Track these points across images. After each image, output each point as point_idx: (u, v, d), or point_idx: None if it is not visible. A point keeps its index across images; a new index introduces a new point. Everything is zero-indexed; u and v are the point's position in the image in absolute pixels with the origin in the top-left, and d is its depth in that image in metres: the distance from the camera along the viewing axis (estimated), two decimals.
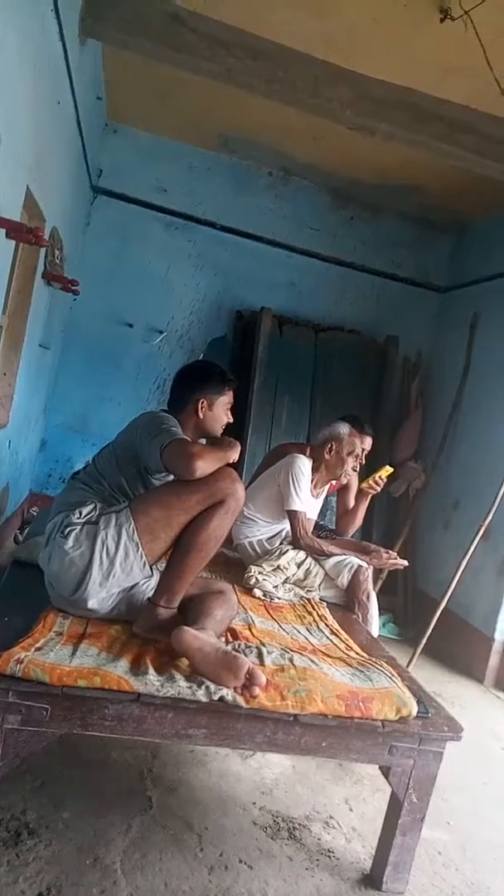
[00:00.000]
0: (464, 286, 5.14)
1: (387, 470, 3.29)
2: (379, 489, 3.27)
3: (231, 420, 2.41)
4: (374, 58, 3.34)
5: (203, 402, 2.29)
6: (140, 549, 2.01)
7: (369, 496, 3.32)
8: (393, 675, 2.04)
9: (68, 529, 2.00)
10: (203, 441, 2.29)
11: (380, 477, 3.24)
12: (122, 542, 1.99)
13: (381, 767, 1.95)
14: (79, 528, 2.00)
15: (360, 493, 3.33)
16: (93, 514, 2.04)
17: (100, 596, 2.01)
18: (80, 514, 2.03)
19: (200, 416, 2.29)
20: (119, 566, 1.99)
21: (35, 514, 4.55)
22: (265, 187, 5.18)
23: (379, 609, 3.10)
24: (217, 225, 5.05)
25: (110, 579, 2.00)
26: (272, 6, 3.11)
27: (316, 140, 4.46)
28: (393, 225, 5.38)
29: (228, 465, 2.10)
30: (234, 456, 2.11)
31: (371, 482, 3.24)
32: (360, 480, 3.32)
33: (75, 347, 4.99)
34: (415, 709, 1.90)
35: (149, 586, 2.11)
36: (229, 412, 2.39)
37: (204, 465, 1.99)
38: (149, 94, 4.37)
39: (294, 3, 3.07)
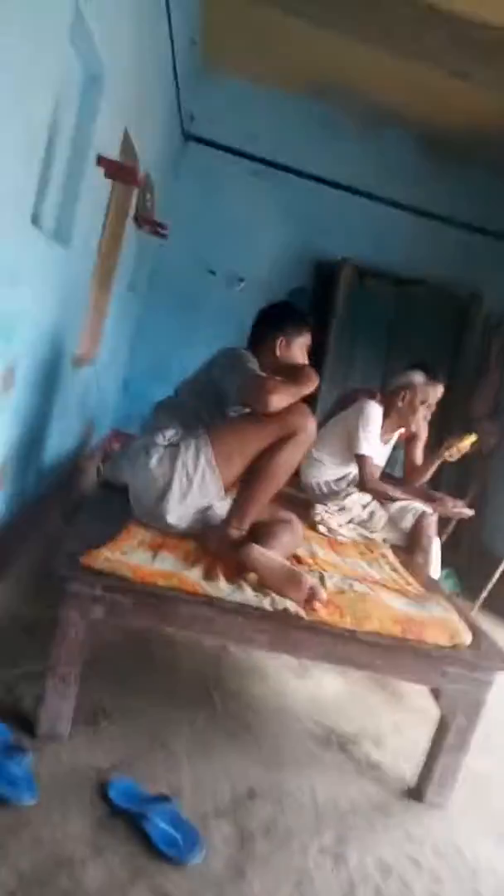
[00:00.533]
0: None
1: (470, 439, 3.27)
2: (459, 456, 3.27)
3: (307, 363, 2.50)
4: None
5: (282, 341, 2.40)
6: (216, 472, 2.16)
7: (443, 460, 3.32)
8: (449, 608, 2.14)
9: (153, 450, 2.18)
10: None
11: (462, 445, 3.23)
12: (201, 464, 2.16)
13: (431, 690, 2.07)
14: (162, 449, 2.18)
15: (435, 455, 3.34)
16: (174, 437, 2.21)
17: (178, 512, 2.19)
18: (164, 436, 2.20)
19: (278, 353, 2.40)
20: (196, 486, 2.16)
21: (116, 449, 4.81)
22: (354, 135, 5.12)
23: (441, 563, 3.17)
24: (304, 173, 5.05)
25: (188, 497, 2.17)
26: None
27: (409, 86, 4.37)
28: (482, 175, 5.22)
29: (304, 399, 2.22)
30: (308, 390, 2.22)
31: (453, 450, 3.23)
32: (431, 435, 3.33)
33: (160, 292, 5.17)
34: (468, 638, 1.99)
35: (223, 508, 2.27)
36: (306, 354, 2.49)
37: (278, 401, 2.11)
38: (243, 39, 4.38)
39: None
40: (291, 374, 2.28)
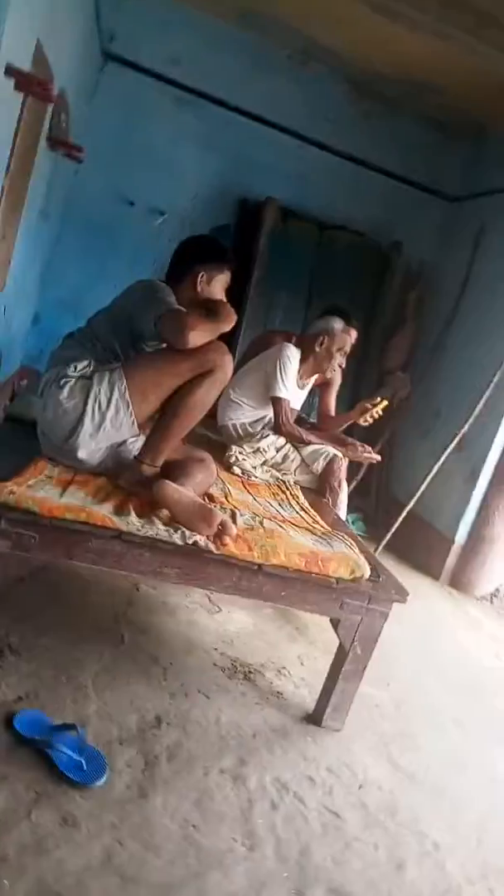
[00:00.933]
0: (474, 197, 5.07)
1: (383, 403, 3.33)
2: (372, 422, 3.34)
3: (225, 301, 2.47)
4: None
5: (203, 276, 2.35)
6: (130, 407, 2.13)
7: (355, 421, 3.39)
8: (352, 544, 2.23)
9: (63, 381, 2.11)
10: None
11: (376, 411, 3.29)
12: (114, 398, 2.11)
13: (331, 620, 2.17)
14: (73, 380, 2.12)
15: (348, 416, 3.41)
16: (87, 369, 2.15)
17: (90, 447, 2.15)
18: (76, 368, 2.14)
19: (199, 289, 2.35)
20: (109, 421, 2.12)
21: (24, 386, 4.64)
22: (283, 70, 4.96)
23: (349, 507, 3.28)
24: (229, 104, 4.87)
25: (100, 432, 2.13)
26: None
27: (339, 23, 4.25)
28: (410, 126, 5.21)
29: (222, 337, 2.20)
30: (227, 327, 2.20)
31: (367, 416, 3.29)
32: (345, 383, 3.39)
33: (74, 221, 4.92)
34: (367, 572, 2.09)
35: (136, 445, 2.25)
36: (224, 292, 2.45)
37: (196, 337, 2.08)
38: None
39: None
40: (211, 310, 2.25)
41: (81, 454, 2.16)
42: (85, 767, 1.70)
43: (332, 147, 5.08)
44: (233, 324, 2.24)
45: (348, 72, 4.92)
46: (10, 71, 2.45)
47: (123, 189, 4.93)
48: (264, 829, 1.72)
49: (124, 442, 2.23)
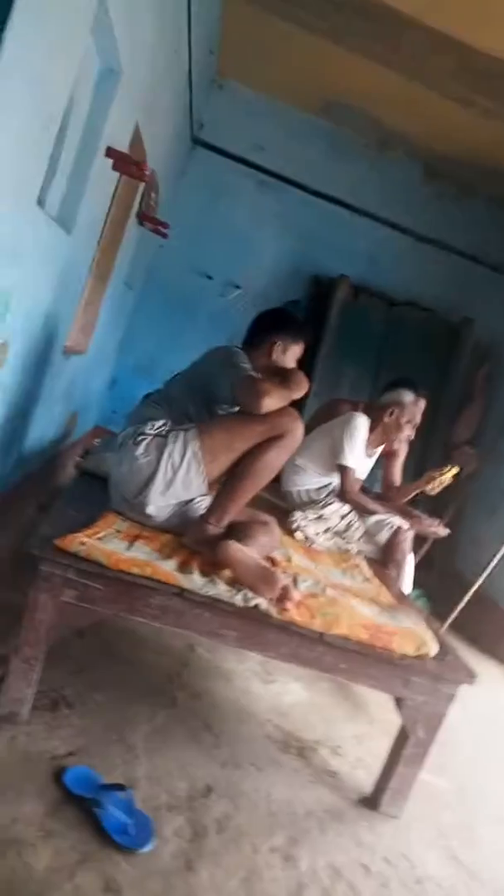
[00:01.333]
0: None
1: (452, 471, 3.28)
2: (440, 489, 3.28)
3: (297, 369, 2.52)
4: (483, 30, 3.31)
5: (279, 345, 2.42)
6: (201, 466, 2.17)
7: (422, 491, 3.34)
8: (418, 619, 2.16)
9: (140, 438, 2.18)
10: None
11: (444, 479, 3.24)
12: (187, 457, 2.16)
13: (395, 699, 2.08)
14: (150, 438, 2.18)
15: (416, 485, 3.36)
16: (163, 428, 2.22)
17: (159, 503, 2.19)
18: (153, 426, 2.21)
19: (273, 357, 2.42)
20: (180, 479, 2.17)
21: (97, 444, 4.80)
22: (359, 155, 5.20)
23: (413, 583, 3.19)
24: (307, 188, 5.11)
25: (170, 489, 2.17)
26: None
27: (415, 110, 4.45)
28: (482, 207, 5.33)
29: (293, 403, 2.24)
30: (299, 394, 2.24)
31: (435, 483, 3.24)
32: (411, 455, 3.34)
33: (155, 291, 5.18)
34: (434, 649, 2.01)
35: (202, 505, 2.28)
36: (296, 363, 2.51)
37: (270, 402, 2.13)
38: (259, 52, 4.45)
39: None
40: (284, 377, 2.31)
41: (150, 510, 2.20)
42: (132, 831, 1.65)
43: (405, 227, 5.23)
44: (305, 391, 2.28)
45: (420, 155, 5.12)
46: (110, 152, 2.66)
47: (203, 264, 5.19)
48: None
49: (192, 500, 2.26)
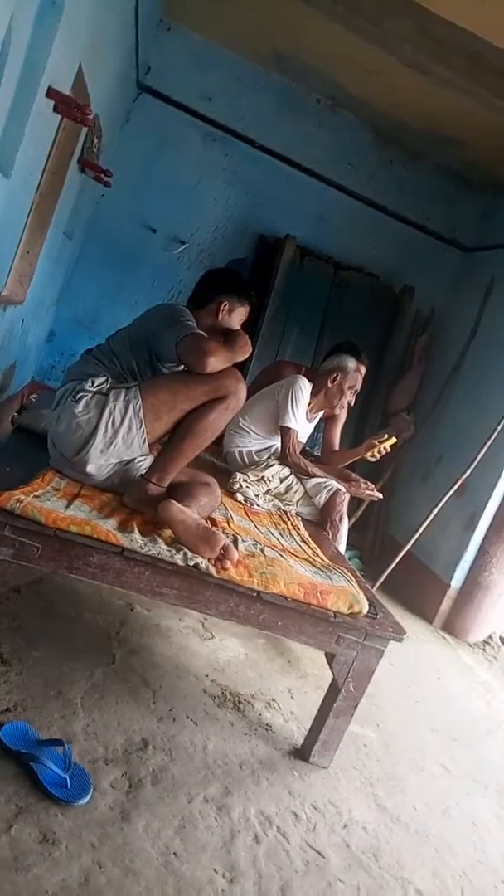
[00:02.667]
0: (488, 248, 5.18)
1: (391, 440, 3.33)
2: (379, 458, 3.34)
3: (242, 331, 2.51)
4: None
5: (226, 305, 2.40)
6: (143, 425, 2.15)
7: (362, 457, 3.40)
8: (351, 578, 2.23)
9: (80, 395, 2.14)
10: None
11: (383, 447, 3.30)
12: (128, 416, 2.13)
13: (326, 655, 2.15)
14: (90, 395, 2.14)
15: (356, 451, 3.42)
16: (104, 385, 2.18)
17: (99, 462, 2.16)
18: (93, 383, 2.17)
19: (220, 317, 2.40)
20: (121, 438, 2.14)
21: (34, 400, 4.67)
22: (310, 114, 5.12)
23: (347, 544, 3.28)
24: (256, 143, 5.00)
25: (111, 448, 2.14)
26: None
27: (369, 73, 4.40)
28: (430, 176, 5.35)
29: (236, 365, 2.23)
30: (244, 356, 2.24)
31: (375, 451, 3.29)
32: (349, 420, 3.39)
33: (96, 243, 5.02)
34: (366, 607, 2.09)
35: (144, 465, 2.26)
36: (240, 326, 2.50)
37: (215, 362, 2.12)
38: None
39: None
40: (230, 338, 2.29)
41: (90, 468, 2.17)
42: (69, 785, 1.67)
43: (353, 191, 5.20)
44: (248, 354, 2.28)
45: (374, 120, 5.08)
46: (52, 93, 2.53)
47: (146, 216, 5.04)
48: (246, 863, 1.68)
49: (133, 460, 2.24)
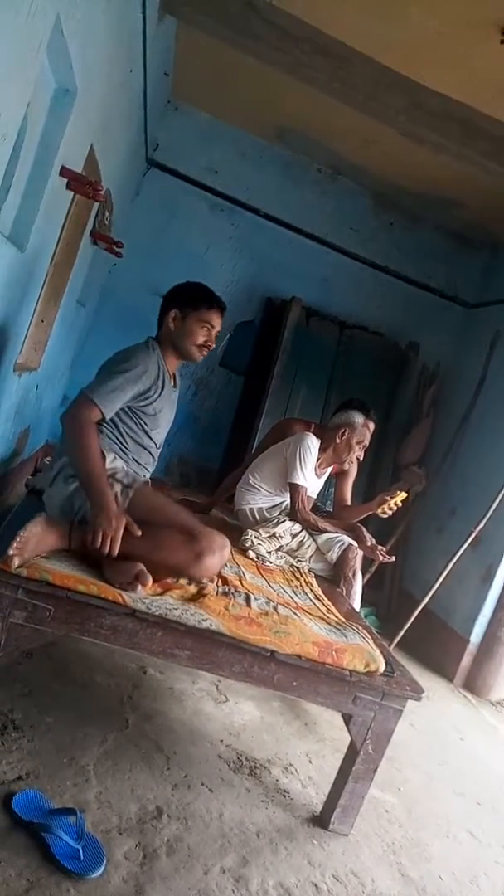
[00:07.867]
0: (490, 304, 5.28)
1: (402, 495, 3.27)
2: (391, 514, 3.32)
3: (211, 342, 2.42)
4: (433, 69, 3.46)
5: (174, 313, 2.36)
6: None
7: (373, 513, 3.37)
8: (366, 636, 2.20)
9: (72, 480, 2.18)
10: (180, 361, 2.45)
11: (395, 503, 3.24)
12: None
13: (343, 716, 2.10)
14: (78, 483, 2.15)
15: (367, 507, 3.38)
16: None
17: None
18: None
19: (171, 327, 2.37)
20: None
21: (48, 462, 4.73)
22: (312, 182, 5.33)
23: (362, 601, 3.24)
24: (261, 212, 5.20)
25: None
26: (343, 6, 3.24)
27: (368, 143, 4.60)
28: (430, 236, 5.52)
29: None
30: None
31: (386, 507, 3.24)
32: (360, 474, 3.38)
33: (108, 310, 5.17)
34: (382, 666, 2.05)
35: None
36: (209, 332, 2.40)
37: (72, 434, 2.11)
38: (214, 77, 4.53)
39: (364, 6, 3.20)
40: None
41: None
42: (81, 857, 1.63)
43: (356, 254, 5.37)
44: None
45: (374, 187, 5.28)
46: (65, 171, 2.66)
47: (157, 283, 5.15)
48: None
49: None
